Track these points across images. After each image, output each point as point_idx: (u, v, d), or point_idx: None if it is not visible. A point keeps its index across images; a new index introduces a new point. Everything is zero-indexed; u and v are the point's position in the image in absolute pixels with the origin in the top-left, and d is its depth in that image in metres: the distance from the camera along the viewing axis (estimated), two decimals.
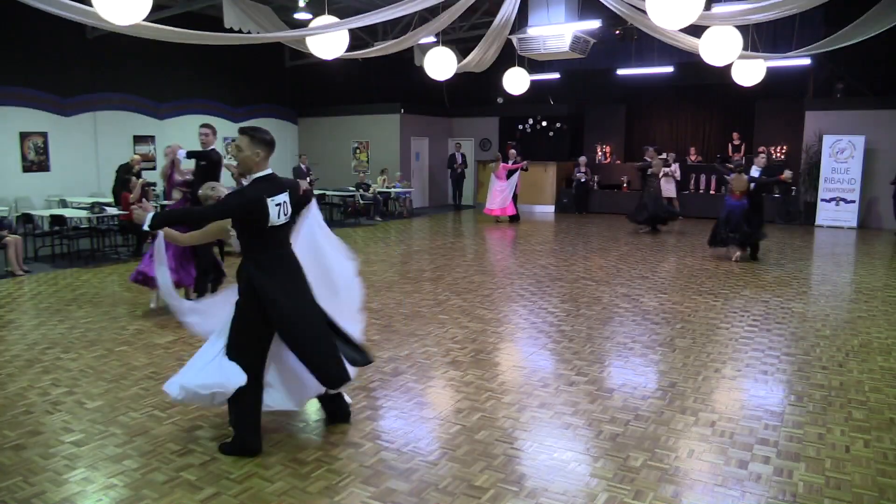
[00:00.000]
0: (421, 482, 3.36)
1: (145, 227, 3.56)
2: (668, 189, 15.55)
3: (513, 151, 15.25)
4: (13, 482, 3.36)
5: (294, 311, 3.62)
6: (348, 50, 7.03)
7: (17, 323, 6.46)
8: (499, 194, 15.08)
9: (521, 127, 19.24)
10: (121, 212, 9.92)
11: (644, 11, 5.73)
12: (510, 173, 15.00)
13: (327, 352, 3.69)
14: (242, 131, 3.68)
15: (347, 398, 4.18)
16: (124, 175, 10.36)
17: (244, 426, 3.63)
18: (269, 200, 3.53)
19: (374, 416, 4.20)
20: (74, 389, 4.66)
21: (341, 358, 3.74)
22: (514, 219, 15.12)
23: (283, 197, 3.64)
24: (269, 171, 3.68)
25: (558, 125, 18.92)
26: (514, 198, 15.11)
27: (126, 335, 5.97)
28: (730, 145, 16.26)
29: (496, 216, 15.17)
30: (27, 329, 6.22)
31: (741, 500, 3.20)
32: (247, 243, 3.65)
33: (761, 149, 12.06)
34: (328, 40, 6.65)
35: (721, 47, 6.95)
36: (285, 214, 3.65)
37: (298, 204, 3.96)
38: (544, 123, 19.09)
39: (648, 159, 13.01)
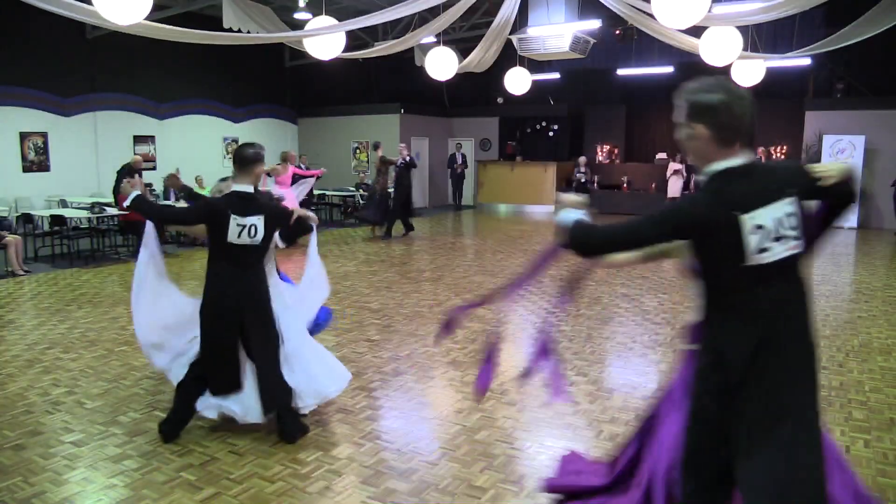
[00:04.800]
0: (421, 482, 3.36)
1: (126, 204, 3.64)
2: (675, 188, 15.59)
3: (304, 157, 13.70)
4: (13, 482, 3.36)
5: (209, 325, 3.68)
6: (349, 50, 7.04)
7: (17, 323, 6.46)
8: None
9: (528, 131, 19.26)
10: (120, 212, 9.92)
11: (644, 11, 5.73)
12: (296, 179, 11.32)
13: (221, 367, 3.72)
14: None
15: (303, 417, 4.03)
16: (125, 176, 10.37)
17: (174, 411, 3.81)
18: (232, 216, 3.54)
19: (374, 416, 4.20)
20: (74, 389, 4.66)
21: (234, 381, 3.74)
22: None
23: (254, 220, 3.58)
24: (245, 188, 3.64)
25: (556, 127, 18.94)
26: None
27: (126, 335, 5.97)
28: None
29: None
30: (27, 329, 6.22)
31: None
32: (210, 249, 3.71)
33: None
34: (325, 41, 6.65)
35: (721, 47, 6.95)
36: (250, 237, 3.59)
37: (294, 233, 3.96)
38: (544, 123, 19.10)
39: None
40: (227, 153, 16.34)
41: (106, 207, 10.18)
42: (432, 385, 4.79)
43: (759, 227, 1.90)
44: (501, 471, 3.48)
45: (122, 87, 13.85)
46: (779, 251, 1.93)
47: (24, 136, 12.30)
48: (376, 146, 12.42)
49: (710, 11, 6.30)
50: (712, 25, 6.77)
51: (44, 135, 12.58)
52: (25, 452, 3.69)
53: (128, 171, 10.37)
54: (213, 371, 3.74)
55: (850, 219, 13.98)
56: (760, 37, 10.87)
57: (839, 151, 14.02)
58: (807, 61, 12.86)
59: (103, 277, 8.77)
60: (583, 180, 17.00)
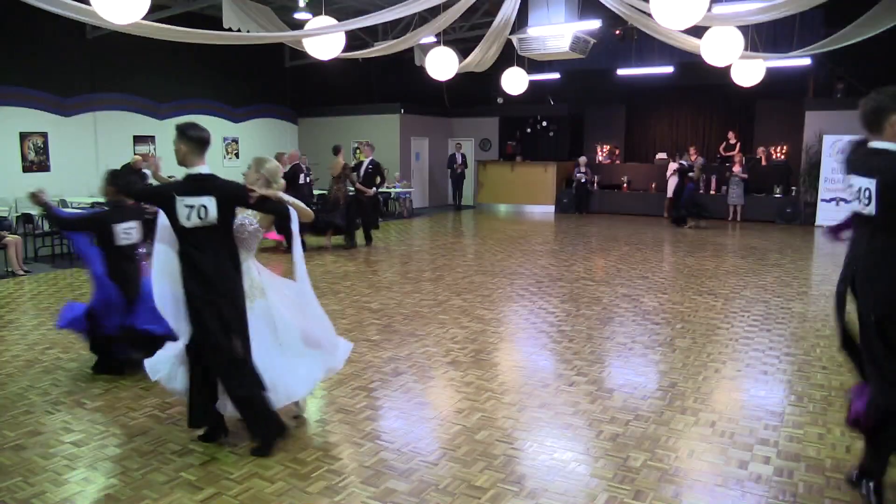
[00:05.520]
0: (421, 482, 3.35)
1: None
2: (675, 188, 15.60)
3: (304, 157, 12.47)
4: (13, 482, 3.36)
5: (194, 311, 3.63)
6: (349, 50, 7.04)
7: (17, 323, 6.46)
8: None
9: (528, 131, 19.25)
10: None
11: (644, 12, 5.73)
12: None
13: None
14: (176, 127, 3.66)
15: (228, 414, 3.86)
16: (126, 176, 10.36)
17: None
18: (178, 198, 3.48)
19: (374, 416, 4.20)
20: (74, 389, 4.66)
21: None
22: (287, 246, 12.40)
23: (203, 200, 3.49)
24: (198, 169, 3.58)
25: (556, 127, 18.94)
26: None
27: None
28: (724, 143, 16.26)
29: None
30: (27, 329, 6.22)
31: (741, 500, 3.20)
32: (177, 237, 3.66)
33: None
34: (324, 40, 6.65)
35: (722, 47, 6.95)
36: (201, 218, 3.51)
37: (279, 226, 3.87)
38: (544, 123, 19.11)
39: (684, 163, 13.98)
40: (227, 153, 16.35)
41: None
42: (432, 385, 4.79)
43: None
44: (501, 471, 3.47)
45: (122, 87, 13.85)
46: None
47: (24, 136, 12.29)
48: (336, 150, 11.38)
49: (710, 11, 6.30)
50: (712, 25, 6.77)
51: (44, 135, 12.57)
52: (25, 452, 3.69)
53: (128, 171, 10.37)
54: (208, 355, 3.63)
55: None
56: (760, 37, 10.86)
57: (839, 151, 14.01)
58: (807, 61, 12.87)
59: None
60: (583, 180, 17.01)
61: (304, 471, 3.48)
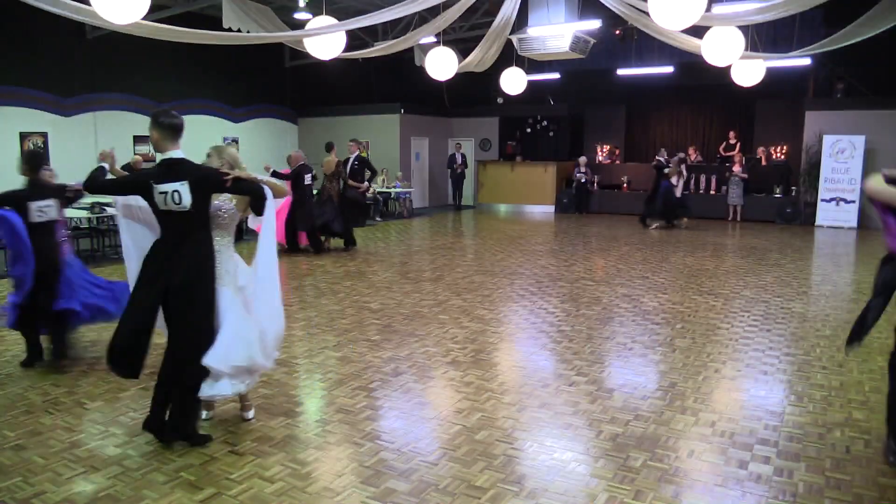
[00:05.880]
0: (421, 482, 3.36)
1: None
2: (676, 189, 15.58)
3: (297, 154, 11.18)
4: (13, 482, 3.36)
5: (136, 290, 3.70)
6: (348, 50, 7.03)
7: None
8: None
9: (528, 131, 19.23)
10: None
11: (644, 12, 5.73)
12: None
13: (126, 336, 3.64)
14: (150, 114, 3.73)
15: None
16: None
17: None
18: (155, 186, 3.55)
19: (374, 416, 4.20)
20: (74, 389, 4.66)
21: (127, 351, 3.68)
22: (296, 248, 10.71)
23: (175, 186, 3.54)
24: (172, 154, 3.65)
25: (556, 127, 18.94)
26: (291, 221, 10.49)
27: None
28: (724, 143, 16.26)
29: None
30: None
31: (741, 500, 3.20)
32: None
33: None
34: (325, 41, 6.65)
35: (723, 47, 6.94)
36: (175, 203, 3.55)
37: (254, 206, 3.87)
38: (544, 123, 19.11)
39: (661, 159, 13.74)
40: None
41: (106, 207, 10.16)
42: (432, 385, 4.79)
43: None
44: (501, 471, 3.47)
45: (122, 87, 13.84)
46: None
47: (24, 136, 12.29)
48: (329, 148, 11.05)
49: (710, 11, 6.30)
50: (712, 25, 6.77)
51: (44, 135, 12.57)
52: (25, 452, 3.69)
53: (128, 171, 10.36)
54: (118, 332, 3.64)
55: (851, 219, 14.00)
56: (760, 37, 10.87)
57: (839, 151, 14.03)
58: (807, 61, 12.87)
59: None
60: (583, 180, 17.01)
61: (304, 471, 3.48)
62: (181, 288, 3.60)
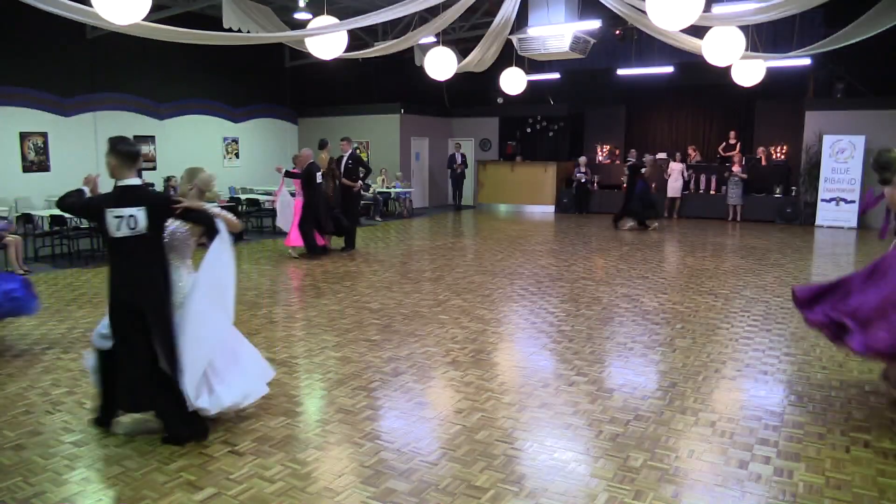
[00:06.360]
0: (421, 482, 3.36)
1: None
2: (675, 188, 15.59)
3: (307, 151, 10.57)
4: (13, 482, 3.36)
5: (114, 322, 3.78)
6: (348, 50, 7.03)
7: (17, 323, 6.45)
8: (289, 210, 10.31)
9: (528, 131, 19.22)
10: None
11: (644, 11, 5.73)
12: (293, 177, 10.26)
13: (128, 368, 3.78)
14: (108, 141, 3.81)
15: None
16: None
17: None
18: (107, 210, 3.65)
19: (374, 416, 4.20)
20: (74, 389, 4.66)
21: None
22: (317, 249, 10.27)
23: (131, 211, 3.65)
24: (129, 181, 3.73)
25: (556, 127, 18.93)
26: (305, 223, 10.08)
27: None
28: (724, 143, 16.25)
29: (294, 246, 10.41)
30: (27, 329, 6.22)
31: (741, 500, 3.20)
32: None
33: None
34: (327, 41, 6.65)
35: (723, 47, 6.94)
36: (130, 228, 3.65)
37: (209, 227, 3.91)
38: (544, 123, 19.10)
39: (632, 159, 13.90)
40: (228, 153, 16.35)
41: None
42: (432, 385, 4.79)
43: None
44: (501, 471, 3.47)
45: (122, 87, 13.84)
46: None
47: (24, 136, 12.29)
48: (322, 145, 10.76)
49: (710, 11, 6.30)
50: (711, 25, 6.77)
51: (44, 135, 12.57)
52: (25, 452, 3.69)
53: None
54: (122, 373, 3.77)
55: (851, 219, 14.01)
56: (760, 37, 10.86)
57: (839, 151, 14.02)
58: (807, 61, 12.86)
59: (103, 277, 8.76)
60: (583, 180, 17.00)
61: (304, 471, 3.48)
62: (141, 311, 3.70)
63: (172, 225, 3.96)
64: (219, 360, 3.94)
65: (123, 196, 3.68)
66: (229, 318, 4.01)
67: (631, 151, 14.38)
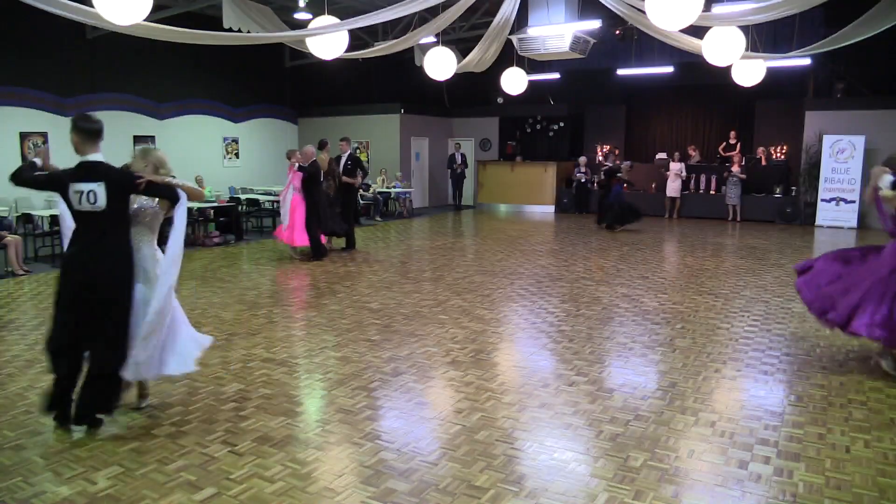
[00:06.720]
0: (421, 482, 3.36)
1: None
2: (674, 188, 15.58)
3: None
4: (13, 482, 3.36)
5: (61, 289, 3.84)
6: (348, 50, 7.03)
7: (17, 323, 6.46)
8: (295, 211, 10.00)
9: (528, 131, 19.20)
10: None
11: (644, 12, 5.72)
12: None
13: (56, 335, 3.83)
14: (71, 119, 3.93)
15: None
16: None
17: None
18: (71, 185, 3.75)
19: (374, 416, 4.20)
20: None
21: (60, 348, 3.83)
22: (322, 252, 10.10)
23: (91, 186, 3.74)
24: (91, 157, 3.84)
25: (556, 127, 18.94)
26: (311, 224, 9.90)
27: None
28: (724, 143, 16.26)
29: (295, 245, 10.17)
30: (27, 329, 6.22)
31: (741, 500, 3.20)
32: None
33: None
34: (328, 40, 6.65)
35: (724, 47, 6.94)
36: (91, 203, 3.75)
37: (172, 200, 3.99)
38: (544, 123, 19.11)
39: (608, 164, 13.84)
40: (228, 153, 16.35)
41: None
42: (432, 385, 4.79)
43: None
44: (501, 471, 3.48)
45: (122, 87, 13.85)
46: None
47: (24, 136, 12.29)
48: (322, 145, 10.60)
49: (710, 11, 6.29)
50: (711, 25, 6.77)
51: (44, 135, 12.57)
52: (25, 452, 3.69)
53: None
54: (52, 332, 3.83)
55: (851, 219, 14.01)
56: (760, 37, 10.86)
57: (839, 151, 14.02)
58: (807, 61, 12.87)
59: None
60: (583, 180, 17.01)
61: (304, 471, 3.48)
62: (101, 285, 3.78)
63: (140, 200, 4.03)
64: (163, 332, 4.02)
65: (85, 171, 3.79)
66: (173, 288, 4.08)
67: (608, 156, 14.33)
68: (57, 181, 3.89)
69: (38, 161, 4.09)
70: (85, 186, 3.74)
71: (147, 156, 4.15)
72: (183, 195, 4.01)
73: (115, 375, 3.88)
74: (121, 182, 3.84)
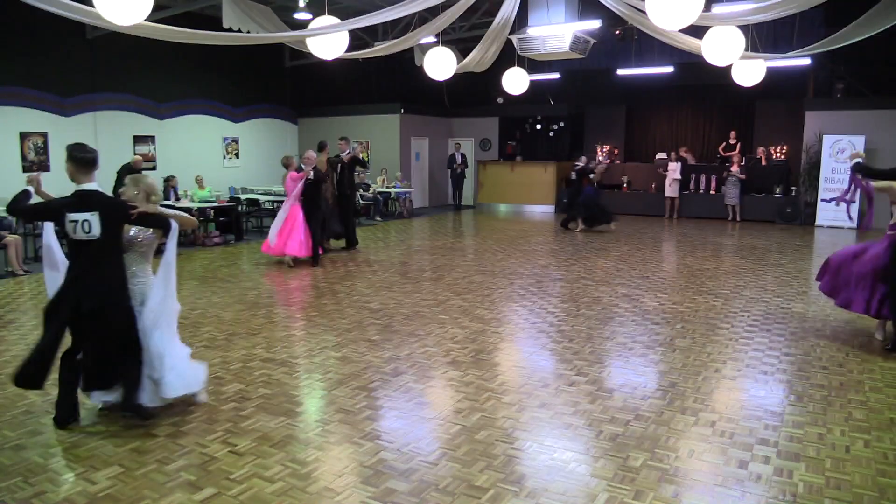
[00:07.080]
0: (421, 482, 3.36)
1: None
2: (672, 189, 15.58)
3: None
4: (13, 482, 3.36)
5: (51, 310, 3.89)
6: (349, 50, 7.03)
7: (17, 323, 6.46)
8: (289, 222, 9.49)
9: (528, 131, 19.18)
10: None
11: (644, 12, 5.72)
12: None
13: (39, 356, 3.84)
14: (66, 148, 3.99)
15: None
16: (126, 175, 10.34)
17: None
18: (67, 214, 3.81)
19: (374, 416, 4.20)
20: None
21: (41, 371, 3.85)
22: (319, 259, 9.75)
23: (86, 216, 3.80)
24: (86, 186, 3.88)
25: (556, 127, 18.93)
26: (312, 231, 9.56)
27: None
28: (724, 143, 16.25)
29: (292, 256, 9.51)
30: (27, 329, 6.22)
31: (741, 500, 3.20)
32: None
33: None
34: (328, 41, 6.65)
35: (723, 47, 6.94)
36: (85, 232, 3.80)
37: (164, 229, 4.08)
38: (544, 123, 19.10)
39: (579, 164, 13.59)
40: (228, 153, 16.35)
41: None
42: (432, 385, 4.79)
43: None
44: (501, 471, 3.48)
45: (122, 87, 13.85)
46: None
47: (24, 136, 12.29)
48: (321, 147, 10.48)
49: (710, 11, 6.29)
50: (711, 25, 6.77)
51: (44, 135, 12.58)
52: (25, 452, 3.69)
53: (127, 171, 10.36)
54: (32, 356, 3.87)
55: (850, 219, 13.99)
56: (760, 37, 10.86)
57: (839, 151, 14.02)
58: (807, 61, 12.86)
59: None
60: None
61: (304, 471, 3.48)
62: (96, 313, 3.82)
63: (135, 228, 4.09)
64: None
65: (80, 201, 3.84)
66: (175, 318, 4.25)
67: (581, 157, 14.11)
68: (54, 211, 3.95)
69: (31, 189, 4.12)
70: (80, 216, 3.81)
71: (138, 183, 4.21)
72: (175, 225, 4.10)
73: (135, 368, 3.96)
74: (114, 212, 3.92)
